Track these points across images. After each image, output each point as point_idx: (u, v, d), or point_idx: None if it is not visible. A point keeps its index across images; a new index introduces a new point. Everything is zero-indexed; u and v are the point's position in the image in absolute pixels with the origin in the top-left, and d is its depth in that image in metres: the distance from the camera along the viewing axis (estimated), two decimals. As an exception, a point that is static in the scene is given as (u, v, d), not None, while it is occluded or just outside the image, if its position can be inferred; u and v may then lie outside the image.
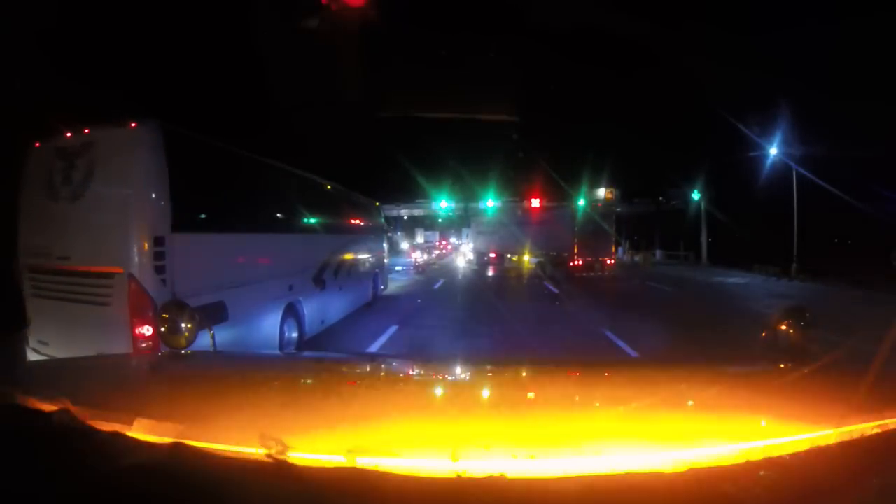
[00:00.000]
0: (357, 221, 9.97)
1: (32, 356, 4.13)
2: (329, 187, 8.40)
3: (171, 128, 3.90)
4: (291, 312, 5.74)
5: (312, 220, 7.11)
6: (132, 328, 3.51)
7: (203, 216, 4.32)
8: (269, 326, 5.25)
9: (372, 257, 10.47)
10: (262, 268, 5.25)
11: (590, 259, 17.89)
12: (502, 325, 7.92)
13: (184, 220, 3.89)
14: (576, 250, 17.86)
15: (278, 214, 6.06)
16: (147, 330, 3.50)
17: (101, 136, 3.85)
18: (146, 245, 3.62)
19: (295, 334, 5.85)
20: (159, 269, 3.65)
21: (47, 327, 4.11)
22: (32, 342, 4.20)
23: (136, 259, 3.59)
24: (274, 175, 6.13)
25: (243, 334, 4.64)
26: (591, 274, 17.48)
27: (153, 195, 3.69)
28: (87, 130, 3.89)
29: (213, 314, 4.08)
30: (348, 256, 8.51)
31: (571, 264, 17.69)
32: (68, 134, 3.94)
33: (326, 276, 7.06)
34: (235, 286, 4.54)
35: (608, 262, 18.56)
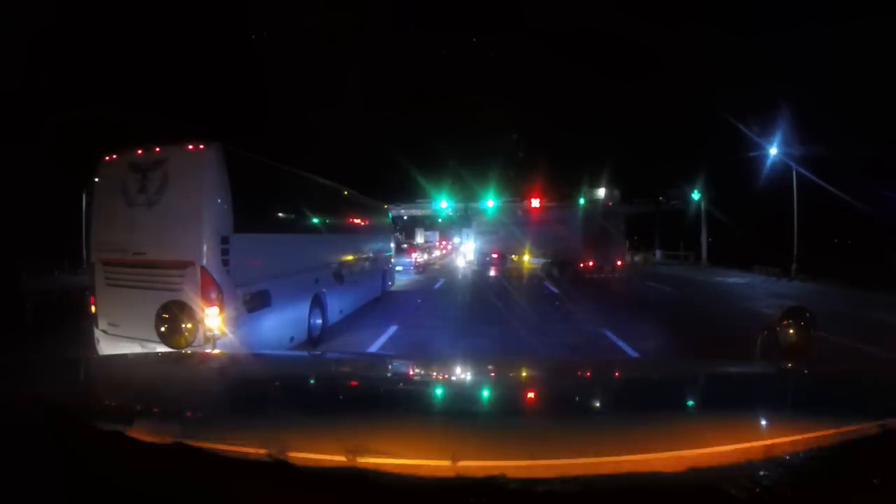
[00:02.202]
0: (370, 223, 10.83)
1: (102, 337, 4.74)
2: (346, 193, 9.35)
3: (231, 148, 4.76)
4: (317, 302, 6.57)
5: (335, 223, 8.13)
6: (202, 309, 4.25)
7: (255, 219, 5.14)
8: (300, 313, 6.09)
9: (382, 256, 11.42)
10: (297, 263, 6.10)
11: (600, 260, 17.04)
12: (501, 325, 7.91)
13: (242, 222, 4.72)
14: (585, 251, 16.99)
15: (309, 218, 6.91)
16: (214, 311, 4.34)
17: (172, 154, 4.62)
18: (214, 243, 4.43)
19: (319, 321, 6.65)
20: (224, 262, 4.48)
21: (118, 311, 4.64)
22: (102, 324, 4.76)
23: (206, 254, 4.38)
24: (306, 184, 7.14)
25: (281, 319, 5.44)
26: (601, 276, 16.89)
27: (219, 201, 4.53)
28: (157, 149, 4.65)
29: (261, 299, 5.02)
30: (362, 255, 9.49)
31: (581, 266, 16.89)
32: (139, 151, 4.70)
33: (344, 271, 7.94)
34: (277, 277, 5.37)
35: (618, 263, 17.73)
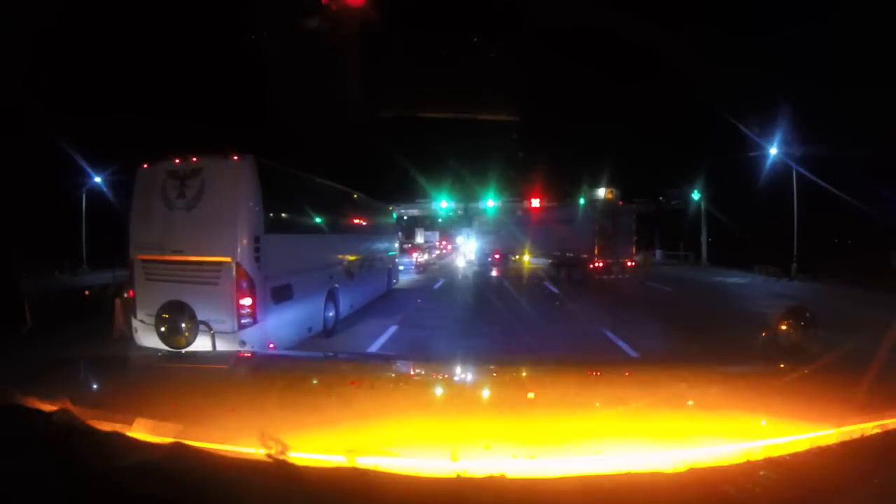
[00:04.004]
0: (377, 224, 11.58)
1: (140, 326, 5.14)
2: (356, 196, 10.05)
3: (261, 159, 5.34)
4: (330, 297, 7.16)
5: (347, 224, 8.93)
6: (237, 300, 4.88)
7: (281, 221, 5.82)
8: (317, 306, 6.67)
9: (387, 255, 12.14)
10: (314, 261, 6.77)
11: (610, 260, 16.45)
12: (500, 325, 7.90)
13: (271, 224, 5.33)
14: (596, 251, 16.36)
15: (325, 219, 7.50)
16: (248, 301, 4.93)
17: (209, 163, 5.15)
18: (248, 242, 4.99)
19: (332, 314, 7.22)
20: (257, 259, 5.04)
21: (158, 303, 4.86)
22: (141, 315, 5.16)
23: (241, 251, 4.93)
24: (323, 189, 7.92)
25: (301, 311, 6.03)
26: (611, 276, 16.39)
27: (251, 205, 5.09)
28: (194, 159, 5.18)
29: (285, 292, 5.59)
30: (371, 254, 10.21)
31: (591, 266, 16.31)
32: (177, 160, 5.20)
33: (354, 269, 8.57)
34: (298, 273, 5.95)
35: (628, 263, 17.02)
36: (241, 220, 5.00)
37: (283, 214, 5.96)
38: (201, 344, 2.04)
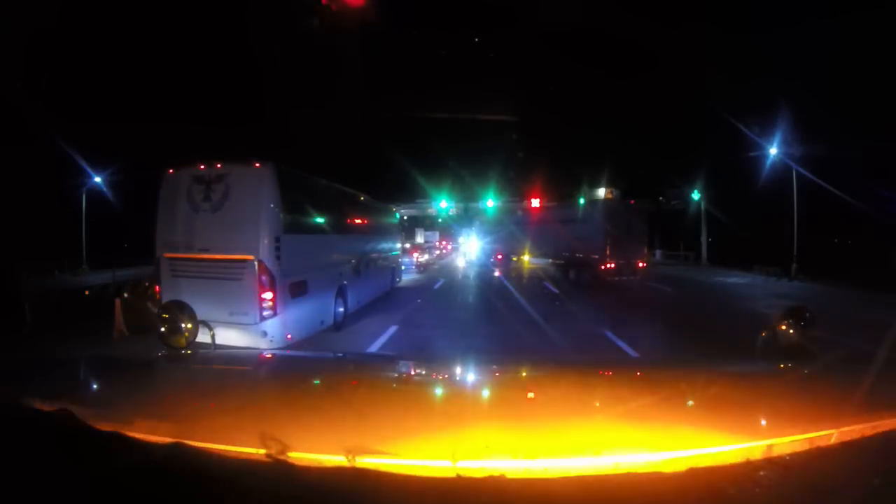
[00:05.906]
0: (383, 225, 12.12)
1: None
2: (362, 198, 10.57)
3: (281, 166, 5.78)
4: (340, 293, 7.66)
5: (355, 225, 9.50)
6: (259, 294, 5.30)
7: (298, 222, 6.29)
8: (328, 301, 7.17)
9: (391, 254, 12.68)
10: (326, 259, 7.31)
11: (622, 261, 15.86)
12: (500, 325, 7.90)
13: (289, 225, 5.81)
14: (608, 252, 15.80)
15: (336, 221, 8.04)
16: (269, 295, 5.35)
17: (233, 169, 5.57)
18: (269, 241, 5.42)
19: (341, 309, 7.72)
20: (277, 257, 5.46)
21: (182, 297, 5.21)
22: None
23: (263, 250, 5.36)
24: (334, 193, 8.45)
25: (314, 305, 6.55)
26: (622, 278, 15.93)
27: (272, 206, 5.53)
28: (219, 165, 5.60)
29: (301, 288, 6.06)
30: (376, 253, 10.73)
31: (603, 267, 15.79)
32: (202, 166, 5.62)
33: (361, 267, 9.02)
34: (312, 270, 6.43)
35: (640, 264, 16.54)
36: (264, 222, 5.43)
37: (299, 216, 6.41)
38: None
